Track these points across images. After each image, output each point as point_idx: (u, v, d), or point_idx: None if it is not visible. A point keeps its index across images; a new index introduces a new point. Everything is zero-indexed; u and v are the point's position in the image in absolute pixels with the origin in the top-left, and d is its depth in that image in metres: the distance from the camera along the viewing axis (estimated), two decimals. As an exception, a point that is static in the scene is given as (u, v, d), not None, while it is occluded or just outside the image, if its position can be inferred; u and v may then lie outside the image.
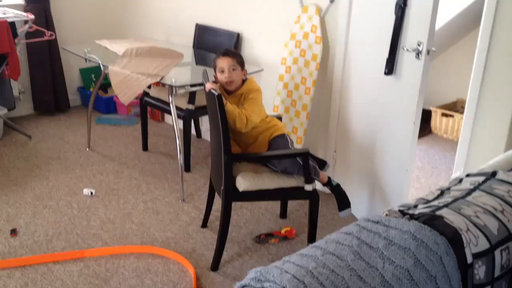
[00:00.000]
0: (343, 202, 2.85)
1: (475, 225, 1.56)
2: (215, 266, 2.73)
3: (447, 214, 1.57)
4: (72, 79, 5.13)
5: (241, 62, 2.73)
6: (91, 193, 3.45)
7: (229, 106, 2.58)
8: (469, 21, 4.35)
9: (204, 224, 3.12)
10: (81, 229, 3.05)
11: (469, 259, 1.49)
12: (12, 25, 4.03)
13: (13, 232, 2.96)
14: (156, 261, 2.78)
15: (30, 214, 3.19)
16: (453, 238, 1.49)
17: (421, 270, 1.37)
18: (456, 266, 1.46)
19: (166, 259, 2.80)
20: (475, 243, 1.51)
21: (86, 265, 2.72)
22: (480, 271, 1.51)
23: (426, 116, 4.33)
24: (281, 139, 2.78)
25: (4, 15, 4.02)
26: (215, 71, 2.74)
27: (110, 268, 2.70)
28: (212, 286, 2.60)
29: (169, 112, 3.49)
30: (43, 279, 2.59)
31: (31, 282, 2.56)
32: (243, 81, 2.75)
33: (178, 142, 3.41)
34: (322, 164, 2.88)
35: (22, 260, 2.72)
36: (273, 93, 3.57)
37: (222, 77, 2.69)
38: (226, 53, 2.70)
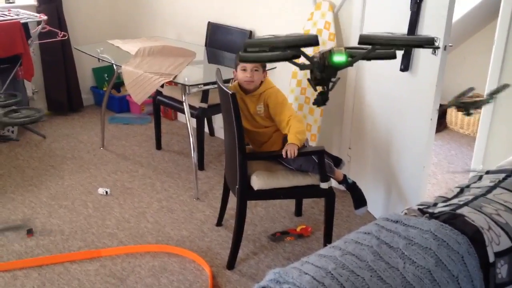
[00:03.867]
0: (359, 200, 2.83)
1: (497, 223, 1.53)
2: (231, 265, 2.72)
3: (468, 213, 1.55)
4: (85, 79, 5.14)
5: (264, 65, 2.70)
6: (106, 192, 3.46)
7: (294, 137, 2.56)
8: (486, 13, 4.29)
9: (219, 223, 3.12)
10: (97, 228, 3.06)
11: (491, 258, 1.46)
12: (25, 26, 4.05)
13: (30, 232, 2.98)
14: (172, 260, 2.78)
15: (46, 214, 3.21)
16: (475, 237, 1.46)
17: (443, 270, 1.35)
18: (478, 265, 1.43)
19: (182, 257, 2.80)
20: (497, 242, 1.48)
21: (102, 265, 2.73)
22: (502, 270, 1.48)
23: (441, 111, 4.28)
24: None
25: (17, 16, 4.04)
26: (236, 68, 2.71)
27: (126, 267, 2.71)
28: (228, 284, 2.60)
29: (182, 111, 3.49)
30: (60, 279, 2.60)
31: (48, 282, 2.58)
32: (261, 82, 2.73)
33: (192, 140, 3.40)
34: (338, 161, 2.85)
35: (39, 260, 2.74)
36: (287, 90, 3.55)
37: (242, 76, 2.66)
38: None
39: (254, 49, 1.88)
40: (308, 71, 3.40)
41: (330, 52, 1.67)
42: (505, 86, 2.23)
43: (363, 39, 1.73)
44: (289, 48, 1.76)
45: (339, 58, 1.68)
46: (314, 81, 1.86)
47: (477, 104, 2.09)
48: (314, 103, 1.90)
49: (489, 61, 2.90)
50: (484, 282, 1.45)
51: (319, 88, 1.88)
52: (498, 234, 1.50)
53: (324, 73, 1.76)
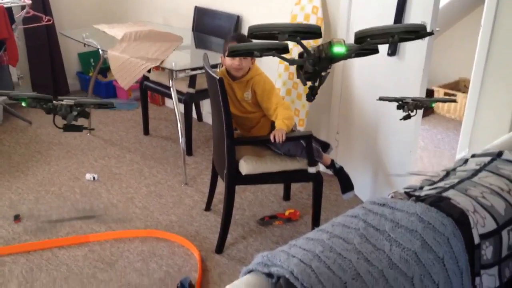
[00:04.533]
0: (346, 184, 2.85)
1: (482, 206, 1.55)
2: (219, 249, 2.73)
3: (454, 195, 1.56)
4: (71, 64, 5.09)
5: None
6: (94, 178, 3.44)
7: (282, 122, 2.55)
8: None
9: (208, 207, 3.12)
10: (85, 213, 3.05)
11: (476, 240, 1.48)
12: (9, 10, 3.98)
13: (17, 218, 2.96)
14: (160, 245, 2.78)
15: (33, 199, 3.19)
16: (460, 219, 1.48)
17: (429, 252, 1.37)
18: (463, 247, 1.45)
19: (171, 242, 2.81)
20: (482, 224, 1.50)
21: (91, 250, 2.73)
22: (487, 252, 1.50)
23: (428, 95, 4.31)
24: None
25: (1, 1, 3.97)
26: (224, 54, 2.69)
27: (115, 252, 2.71)
28: (217, 268, 2.61)
29: (170, 96, 3.47)
30: (48, 264, 2.60)
31: (36, 268, 2.57)
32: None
33: (180, 125, 3.39)
34: (325, 146, 2.87)
35: (26, 246, 2.73)
36: (275, 75, 3.54)
37: (231, 63, 2.64)
38: (240, 40, 2.61)
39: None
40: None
41: (330, 44, 1.64)
42: (452, 100, 2.30)
43: (360, 35, 1.70)
44: (290, 37, 1.71)
45: (339, 49, 1.62)
46: (304, 75, 1.80)
47: (418, 106, 2.10)
48: (307, 99, 1.88)
49: (476, 45, 2.92)
50: (469, 263, 1.47)
51: (309, 83, 1.85)
52: (483, 216, 1.52)
53: (317, 66, 1.70)
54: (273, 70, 3.56)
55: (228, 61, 2.64)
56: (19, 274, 2.52)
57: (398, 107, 2.14)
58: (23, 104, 2.21)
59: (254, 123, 2.77)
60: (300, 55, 1.78)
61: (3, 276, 2.50)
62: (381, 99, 2.22)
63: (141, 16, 4.76)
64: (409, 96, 2.17)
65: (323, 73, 1.76)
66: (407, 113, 2.10)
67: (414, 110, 2.10)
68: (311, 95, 1.84)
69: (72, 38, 3.89)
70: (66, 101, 2.21)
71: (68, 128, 2.26)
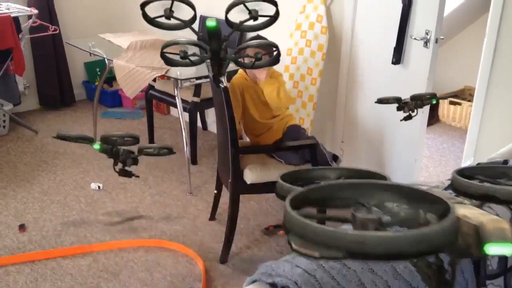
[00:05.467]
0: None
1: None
2: (224, 259, 2.72)
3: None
4: (77, 73, 5.11)
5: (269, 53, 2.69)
6: (99, 187, 3.45)
7: (267, 81, 2.57)
8: (477, 7, 4.30)
9: (212, 217, 3.12)
10: (90, 223, 3.05)
11: (482, 250, 1.47)
12: (15, 20, 4.01)
13: (22, 227, 2.97)
14: (165, 255, 2.78)
15: (38, 209, 3.19)
16: (466, 229, 1.46)
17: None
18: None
19: (175, 252, 2.80)
20: (487, 234, 1.49)
21: (95, 259, 2.72)
22: (493, 262, 1.49)
23: (433, 104, 4.29)
24: (296, 129, 2.77)
25: (7, 11, 4.01)
26: (243, 58, 2.70)
27: (119, 262, 2.70)
28: (222, 278, 2.60)
29: (175, 105, 3.48)
30: (53, 274, 2.60)
31: (41, 277, 2.57)
32: None
33: (184, 134, 3.40)
34: (334, 158, 2.86)
35: (31, 256, 2.73)
36: (279, 84, 3.55)
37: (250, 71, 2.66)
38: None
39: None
40: (303, 62, 3.37)
41: (477, 234, 0.89)
42: (453, 95, 2.26)
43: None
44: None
45: (499, 250, 0.87)
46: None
47: (418, 105, 2.09)
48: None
49: (481, 54, 2.91)
50: (475, 274, 1.46)
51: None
52: (489, 226, 1.50)
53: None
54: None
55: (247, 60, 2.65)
56: (24, 284, 2.52)
57: (398, 108, 2.12)
58: (96, 148, 2.38)
59: (266, 129, 2.77)
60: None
61: (7, 286, 2.50)
62: (379, 101, 2.21)
63: (146, 25, 4.78)
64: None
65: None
66: (407, 114, 2.09)
67: (415, 110, 2.09)
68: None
69: (78, 48, 3.91)
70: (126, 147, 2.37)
71: (122, 173, 2.42)
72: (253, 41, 1.76)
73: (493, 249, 0.81)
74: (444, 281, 0.96)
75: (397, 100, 2.12)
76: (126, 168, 2.37)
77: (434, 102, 2.12)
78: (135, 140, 2.36)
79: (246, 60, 1.60)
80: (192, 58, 1.56)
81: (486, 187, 0.94)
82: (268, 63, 1.67)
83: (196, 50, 1.59)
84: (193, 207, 3.25)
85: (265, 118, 2.75)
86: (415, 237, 0.66)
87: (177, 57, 1.56)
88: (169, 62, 1.58)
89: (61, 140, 2.40)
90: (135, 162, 2.37)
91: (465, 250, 0.85)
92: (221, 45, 1.56)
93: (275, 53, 1.58)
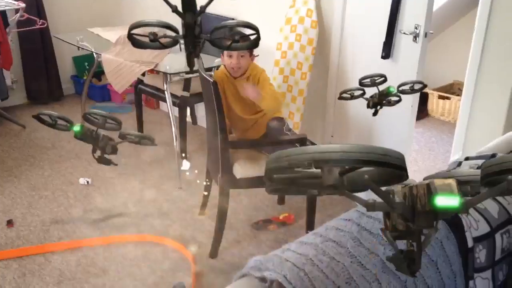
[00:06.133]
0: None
1: (475, 208, 1.54)
2: (214, 253, 2.72)
3: (447, 198, 1.56)
4: (65, 68, 5.07)
5: (251, 50, 2.68)
6: (87, 182, 3.43)
7: (260, 98, 2.56)
8: (466, 2, 4.31)
9: (202, 212, 3.11)
10: (78, 218, 3.03)
11: (470, 243, 1.48)
12: (3, 13, 3.97)
13: (9, 223, 2.94)
14: (154, 249, 2.77)
15: (26, 204, 3.17)
16: (454, 222, 1.47)
17: (422, 255, 1.36)
18: (457, 250, 1.45)
19: (165, 247, 2.79)
20: (475, 227, 1.49)
21: (84, 255, 2.71)
22: (481, 255, 1.50)
23: (422, 98, 4.31)
24: (277, 122, 2.75)
25: (-6, 4, 3.96)
26: (222, 53, 2.68)
27: (108, 257, 2.69)
28: (211, 273, 2.60)
29: (164, 100, 3.46)
30: (41, 270, 2.58)
31: (29, 273, 2.55)
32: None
33: (174, 129, 3.38)
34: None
35: (19, 251, 2.71)
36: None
37: (229, 62, 2.63)
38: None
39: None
40: (293, 57, 3.35)
41: (428, 189, 0.92)
42: (421, 89, 2.17)
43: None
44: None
45: (447, 201, 0.89)
46: (391, 232, 0.99)
47: (381, 99, 2.06)
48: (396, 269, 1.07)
49: (470, 48, 2.92)
50: (463, 267, 1.47)
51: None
52: (477, 219, 1.51)
53: (414, 223, 0.94)
54: (268, 73, 3.55)
55: (227, 60, 2.64)
56: (11, 279, 2.50)
57: (368, 106, 2.11)
58: (75, 130, 2.26)
59: (250, 125, 2.76)
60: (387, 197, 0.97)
61: (-5, 282, 2.49)
62: (341, 98, 2.19)
63: (135, 19, 4.74)
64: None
65: (425, 231, 1.00)
66: (374, 109, 2.09)
67: (378, 105, 2.08)
68: (403, 267, 1.02)
69: (66, 42, 3.87)
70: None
71: (100, 160, 2.33)
72: (231, 21, 1.71)
73: (441, 200, 0.90)
74: (413, 264, 1.01)
75: (357, 97, 2.11)
76: (105, 155, 2.30)
77: (392, 90, 2.05)
78: (118, 125, 2.30)
79: (223, 43, 1.52)
80: (163, 41, 1.43)
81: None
82: (246, 46, 1.62)
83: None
84: (182, 202, 3.24)
85: (248, 114, 2.74)
86: (366, 148, 0.83)
87: (146, 39, 1.47)
88: (137, 44, 1.48)
89: (41, 124, 2.27)
90: (114, 150, 2.30)
91: (422, 212, 0.92)
92: (196, 20, 1.44)
93: (254, 36, 1.51)
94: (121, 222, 3.01)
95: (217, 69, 2.82)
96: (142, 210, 3.14)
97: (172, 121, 3.36)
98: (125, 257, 2.70)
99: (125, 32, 1.48)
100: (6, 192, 3.30)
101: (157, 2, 4.75)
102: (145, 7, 4.66)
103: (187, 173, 3.55)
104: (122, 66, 3.29)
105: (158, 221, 3.02)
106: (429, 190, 0.91)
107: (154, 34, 1.42)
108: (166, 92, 3.34)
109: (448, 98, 4.62)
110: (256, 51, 3.62)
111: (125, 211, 3.13)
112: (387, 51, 2.73)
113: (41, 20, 4.28)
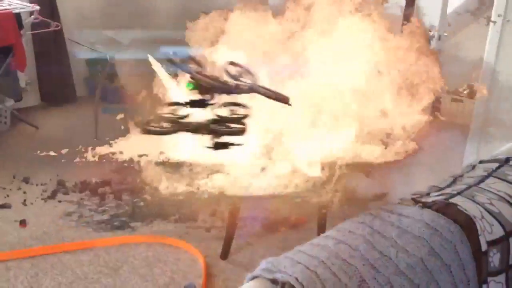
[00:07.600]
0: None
1: (490, 212, 1.53)
2: (225, 255, 2.72)
3: (461, 202, 1.55)
4: (79, 70, 5.10)
5: None
6: (100, 183, 3.44)
7: None
8: (480, 3, 4.28)
9: (213, 213, 3.11)
10: (91, 218, 3.05)
11: (484, 247, 1.46)
12: (17, 16, 4.01)
13: (22, 223, 2.96)
14: (166, 251, 2.77)
15: (40, 204, 3.19)
16: (467, 226, 1.46)
17: (436, 259, 1.35)
18: (470, 254, 1.43)
19: (176, 248, 2.80)
20: (489, 231, 1.48)
21: (96, 255, 2.72)
22: (494, 259, 1.49)
23: (435, 101, 4.27)
24: None
25: (9, 7, 3.99)
26: None
27: (120, 258, 2.70)
28: (223, 274, 2.60)
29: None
30: (53, 269, 2.60)
31: (41, 272, 2.57)
32: None
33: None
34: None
35: (31, 251, 2.73)
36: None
37: None
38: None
39: None
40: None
41: None
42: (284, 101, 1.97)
43: None
44: None
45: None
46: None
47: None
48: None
49: (484, 50, 2.90)
50: (476, 271, 1.45)
51: None
52: (491, 223, 1.50)
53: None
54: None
55: None
56: (24, 279, 2.52)
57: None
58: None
59: None
60: None
61: (7, 281, 2.50)
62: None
63: (152, 22, 4.77)
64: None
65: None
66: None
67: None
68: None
69: (80, 44, 3.90)
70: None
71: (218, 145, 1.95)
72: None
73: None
74: None
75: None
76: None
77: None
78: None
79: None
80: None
81: None
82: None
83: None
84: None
85: None
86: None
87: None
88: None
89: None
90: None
91: None
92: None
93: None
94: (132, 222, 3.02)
95: None
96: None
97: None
98: (137, 258, 2.70)
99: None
100: (20, 193, 3.32)
101: (171, 4, 4.78)
102: (158, 10, 4.68)
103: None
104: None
105: (169, 222, 3.03)
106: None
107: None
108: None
109: (461, 101, 4.58)
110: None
111: (137, 211, 3.14)
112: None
113: (55, 23, 4.32)
